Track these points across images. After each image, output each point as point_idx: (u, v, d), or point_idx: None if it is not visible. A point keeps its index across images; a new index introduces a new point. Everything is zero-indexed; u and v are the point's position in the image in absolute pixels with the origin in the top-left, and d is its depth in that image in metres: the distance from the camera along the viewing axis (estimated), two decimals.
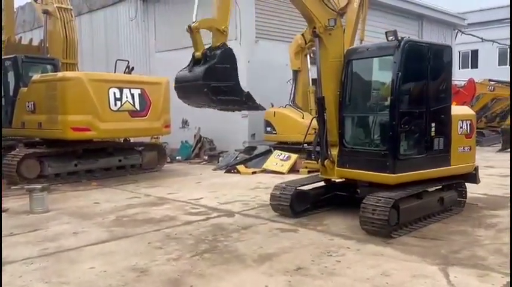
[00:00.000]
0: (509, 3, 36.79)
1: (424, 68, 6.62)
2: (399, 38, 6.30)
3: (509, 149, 16.11)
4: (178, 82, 5.90)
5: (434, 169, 6.77)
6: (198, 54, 5.69)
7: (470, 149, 7.34)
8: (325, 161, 6.95)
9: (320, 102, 6.83)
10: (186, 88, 5.80)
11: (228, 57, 5.68)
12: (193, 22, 5.66)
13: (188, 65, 5.84)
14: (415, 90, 6.71)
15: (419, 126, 6.59)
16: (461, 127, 7.14)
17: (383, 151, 6.46)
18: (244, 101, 5.88)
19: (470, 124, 7.34)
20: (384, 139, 6.60)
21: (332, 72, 6.87)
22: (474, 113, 7.92)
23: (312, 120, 7.71)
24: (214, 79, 5.51)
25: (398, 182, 6.35)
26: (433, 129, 6.64)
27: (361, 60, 7.00)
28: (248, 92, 5.90)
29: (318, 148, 7.14)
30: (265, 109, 6.42)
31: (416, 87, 6.71)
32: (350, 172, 6.86)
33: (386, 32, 6.41)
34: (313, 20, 6.66)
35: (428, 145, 6.64)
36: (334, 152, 6.94)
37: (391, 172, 6.29)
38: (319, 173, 7.50)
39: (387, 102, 6.51)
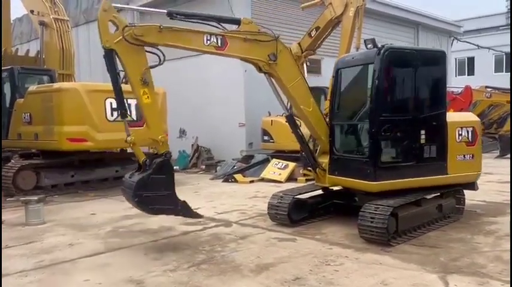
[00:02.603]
0: (504, 10, 37.13)
1: (410, 75, 6.54)
2: (379, 45, 6.34)
3: (507, 156, 16.13)
4: (122, 185, 6.15)
5: (427, 177, 6.62)
6: (140, 163, 5.91)
7: (473, 157, 7.03)
8: (316, 169, 7.05)
9: (290, 120, 6.89)
10: (125, 193, 6.06)
11: (164, 168, 5.77)
12: (129, 137, 5.85)
13: (135, 170, 6.08)
14: (399, 97, 6.70)
15: (406, 134, 6.51)
16: (460, 134, 6.90)
17: (364, 159, 6.49)
18: (179, 209, 6.01)
19: (472, 131, 7.05)
20: (365, 147, 6.60)
21: (297, 93, 6.81)
22: (478, 119, 7.52)
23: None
24: (147, 189, 5.64)
25: (380, 190, 6.34)
26: (423, 136, 6.50)
27: (347, 69, 7.08)
28: (184, 201, 6.04)
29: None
30: (202, 216, 6.59)
31: (400, 94, 6.70)
32: (339, 179, 6.90)
33: (365, 40, 6.46)
34: (255, 63, 6.50)
35: (418, 153, 6.51)
36: (325, 160, 6.99)
37: (372, 179, 6.29)
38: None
39: (368, 110, 6.51)
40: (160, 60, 5.78)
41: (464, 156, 6.96)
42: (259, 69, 6.58)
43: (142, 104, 5.77)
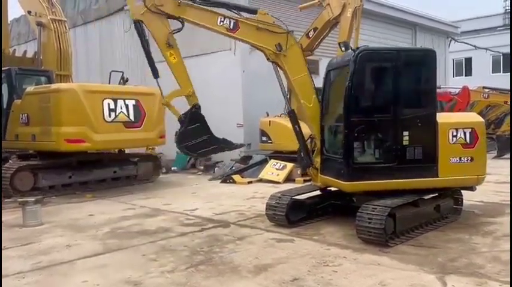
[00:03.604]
0: (501, 11, 37.23)
1: (389, 75, 6.55)
2: (353, 47, 6.52)
3: (504, 156, 16.16)
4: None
5: (412, 180, 6.46)
6: (178, 120, 6.71)
7: (471, 160, 6.69)
8: (309, 169, 7.22)
9: (291, 115, 7.18)
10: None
11: (196, 118, 6.67)
12: (164, 98, 6.70)
13: None
14: (375, 98, 6.74)
15: (384, 135, 6.52)
16: (454, 136, 6.62)
17: (339, 159, 6.60)
18: (222, 147, 7.03)
19: (471, 133, 6.70)
20: (340, 147, 6.65)
21: (299, 88, 7.03)
22: (479, 120, 7.08)
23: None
24: (188, 140, 6.59)
25: (353, 190, 6.54)
26: (405, 137, 6.37)
27: (332, 71, 7.21)
28: (223, 138, 6.98)
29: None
30: (244, 145, 7.31)
31: (377, 95, 6.73)
32: (326, 179, 7.01)
33: (339, 43, 6.51)
34: (263, 50, 6.89)
35: (399, 154, 6.41)
36: (319, 159, 7.13)
37: (346, 179, 6.40)
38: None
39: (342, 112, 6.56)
40: (181, 26, 6.55)
41: (460, 158, 6.65)
42: (268, 60, 6.99)
43: (170, 64, 6.56)
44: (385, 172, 6.47)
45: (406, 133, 6.40)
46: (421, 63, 6.73)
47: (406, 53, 6.88)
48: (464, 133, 6.70)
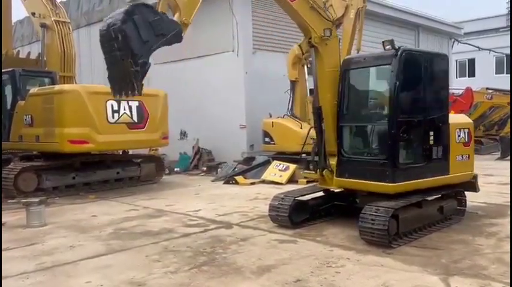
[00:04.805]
0: (504, 12, 37.14)
1: (421, 77, 6.62)
2: (396, 47, 6.31)
3: (508, 157, 16.11)
4: None
5: (434, 178, 6.73)
6: None
7: (468, 158, 7.28)
8: (324, 171, 6.92)
9: (317, 112, 6.85)
10: None
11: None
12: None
13: None
14: (413, 99, 6.70)
15: (418, 135, 6.58)
16: (459, 136, 7.09)
17: (382, 160, 6.43)
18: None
19: (468, 133, 7.28)
20: (382, 148, 6.58)
21: (329, 82, 6.89)
22: (471, 121, 7.83)
23: (309, 130, 7.69)
24: None
25: (397, 191, 6.31)
26: (431, 138, 6.61)
27: (358, 70, 7.02)
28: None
29: (316, 158, 7.14)
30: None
31: (414, 96, 6.70)
32: (349, 182, 6.81)
33: (383, 41, 6.40)
34: (309, 31, 6.71)
35: (427, 154, 6.61)
36: (333, 162, 6.91)
37: (391, 181, 6.25)
38: (317, 183, 7.49)
39: (385, 112, 6.51)
40: None
41: (462, 156, 7.15)
42: (308, 43, 6.79)
43: None
44: (418, 171, 6.56)
45: (431, 133, 6.58)
46: (441, 66, 6.99)
47: (431, 56, 6.94)
48: (464, 133, 7.19)
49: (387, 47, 6.35)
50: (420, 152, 6.62)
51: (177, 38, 5.57)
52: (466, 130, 7.25)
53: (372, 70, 7.05)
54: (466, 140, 7.22)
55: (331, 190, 7.40)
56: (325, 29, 6.72)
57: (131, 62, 5.14)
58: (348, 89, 6.96)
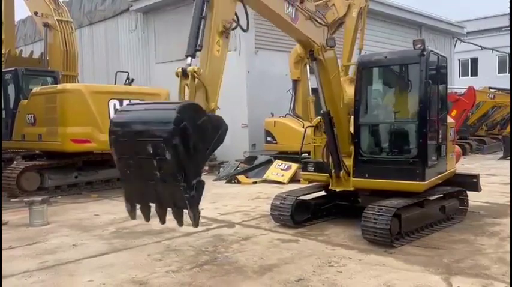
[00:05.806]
0: (507, 11, 37.04)
1: (437, 77, 6.76)
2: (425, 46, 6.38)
3: (510, 157, 16.07)
4: None
5: (442, 174, 6.96)
6: None
7: (453, 155, 7.59)
8: (341, 173, 6.82)
9: (328, 118, 6.69)
10: None
11: None
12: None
13: None
14: (434, 98, 6.73)
15: (436, 133, 6.69)
16: (451, 134, 7.38)
17: (412, 159, 6.43)
18: None
19: (453, 131, 7.67)
20: (412, 147, 6.60)
21: (335, 87, 6.72)
22: (454, 121, 8.18)
23: (305, 130, 7.74)
24: None
25: (426, 189, 6.45)
26: (440, 135, 6.76)
27: (379, 68, 7.07)
28: None
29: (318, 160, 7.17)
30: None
31: (434, 95, 6.75)
32: (369, 182, 6.64)
33: (414, 40, 6.41)
34: (310, 44, 6.29)
35: (439, 152, 6.79)
36: (349, 162, 6.81)
37: (421, 179, 6.27)
38: (318, 183, 7.50)
39: (414, 110, 6.56)
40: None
41: (452, 153, 7.51)
42: (311, 56, 6.37)
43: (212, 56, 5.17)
44: (435, 168, 6.71)
45: (440, 131, 6.76)
46: (445, 67, 7.18)
47: (441, 57, 6.98)
48: (453, 131, 7.53)
49: (418, 46, 6.31)
50: (437, 150, 6.73)
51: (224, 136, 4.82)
52: (453, 129, 7.59)
53: (396, 68, 7.13)
54: (453, 138, 7.62)
55: (333, 189, 7.36)
56: (327, 39, 6.42)
57: (184, 187, 4.04)
58: (367, 87, 6.92)
